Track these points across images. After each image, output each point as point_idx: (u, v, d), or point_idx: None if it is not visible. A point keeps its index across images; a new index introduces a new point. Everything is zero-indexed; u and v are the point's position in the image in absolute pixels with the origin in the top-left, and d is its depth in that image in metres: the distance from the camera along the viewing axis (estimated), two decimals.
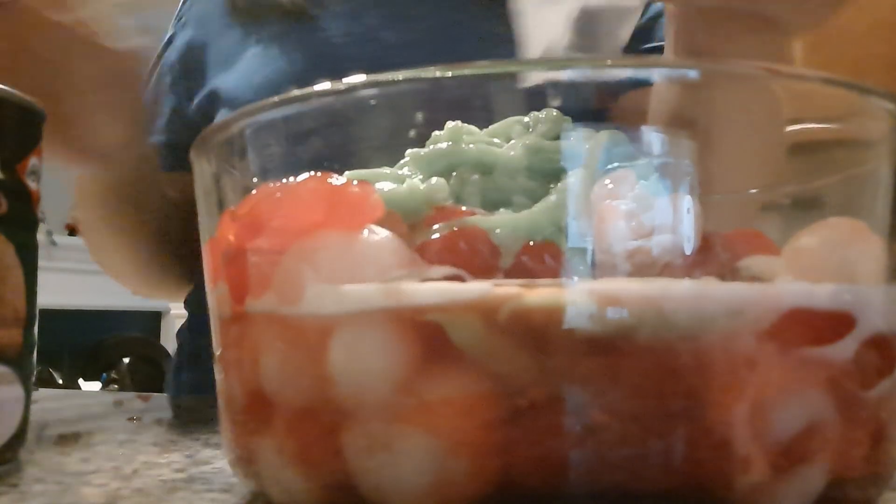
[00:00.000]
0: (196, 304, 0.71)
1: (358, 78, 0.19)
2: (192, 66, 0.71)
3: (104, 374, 3.05)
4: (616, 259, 0.18)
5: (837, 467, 0.18)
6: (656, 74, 0.19)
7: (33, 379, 0.28)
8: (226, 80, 0.67)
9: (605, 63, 0.19)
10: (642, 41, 0.60)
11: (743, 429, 0.17)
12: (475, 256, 0.18)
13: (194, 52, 0.71)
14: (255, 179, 0.22)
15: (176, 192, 0.66)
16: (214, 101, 0.68)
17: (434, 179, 0.21)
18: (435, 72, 0.19)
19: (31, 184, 0.28)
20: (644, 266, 0.17)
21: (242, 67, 0.66)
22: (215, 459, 0.28)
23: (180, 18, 0.73)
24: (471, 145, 0.22)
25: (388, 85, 0.19)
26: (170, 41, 0.73)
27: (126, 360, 3.03)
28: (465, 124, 0.23)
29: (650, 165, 0.20)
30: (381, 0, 0.65)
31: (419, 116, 0.21)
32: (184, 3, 0.74)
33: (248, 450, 0.20)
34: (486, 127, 0.24)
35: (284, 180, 0.19)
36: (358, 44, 0.63)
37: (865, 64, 1.64)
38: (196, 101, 0.69)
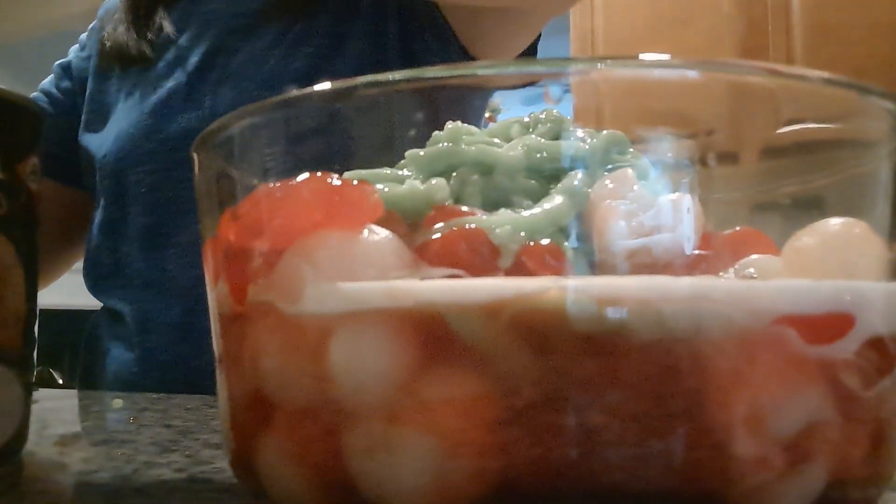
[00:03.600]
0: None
1: (358, 78, 0.19)
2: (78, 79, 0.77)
3: None
4: (616, 259, 0.18)
5: (837, 467, 0.18)
6: (656, 73, 0.19)
7: (33, 379, 0.28)
8: (93, 139, 0.73)
9: (605, 62, 0.19)
10: None
11: (742, 429, 0.17)
12: (475, 256, 0.18)
13: (81, 70, 0.77)
14: (255, 179, 0.22)
15: None
16: (83, 156, 0.74)
17: (434, 179, 0.21)
18: (435, 72, 0.19)
19: (31, 184, 0.28)
20: (644, 266, 0.17)
21: (110, 124, 0.72)
22: (215, 459, 0.28)
23: (83, 47, 0.80)
24: (471, 146, 0.22)
25: (387, 85, 0.19)
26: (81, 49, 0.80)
27: None
28: (465, 124, 0.23)
29: (650, 165, 0.20)
30: (201, 41, 0.69)
31: (419, 116, 0.21)
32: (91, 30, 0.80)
33: (249, 450, 0.20)
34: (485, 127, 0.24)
35: (284, 180, 0.19)
36: (184, 89, 0.67)
37: (865, 64, 1.64)
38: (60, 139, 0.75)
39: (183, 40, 0.70)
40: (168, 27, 0.71)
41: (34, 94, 0.79)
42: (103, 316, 0.73)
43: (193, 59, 0.68)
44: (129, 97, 0.71)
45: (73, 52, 0.81)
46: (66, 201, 0.76)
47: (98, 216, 0.72)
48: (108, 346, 0.71)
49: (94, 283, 0.73)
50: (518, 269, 0.18)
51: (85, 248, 0.74)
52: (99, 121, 0.73)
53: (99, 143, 0.71)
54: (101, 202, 0.71)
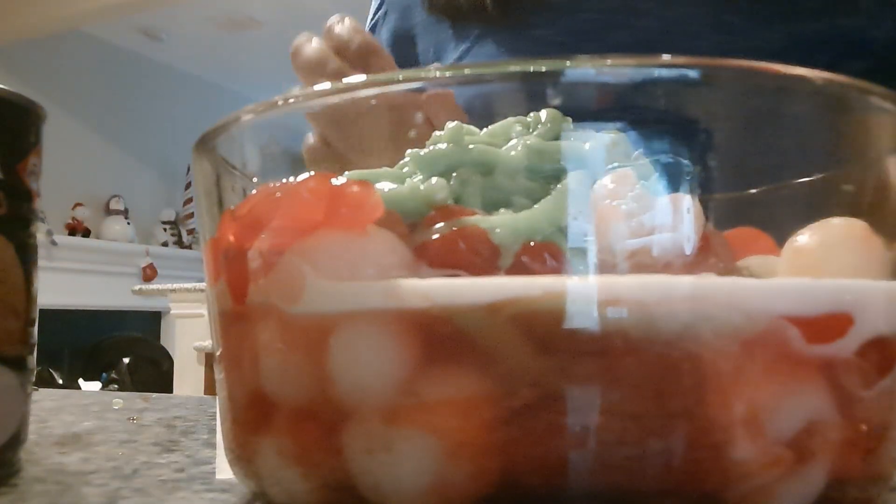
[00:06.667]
0: None
1: (358, 78, 0.19)
2: (403, 54, 0.67)
3: (104, 374, 3.06)
4: (616, 259, 0.18)
5: (837, 467, 0.18)
6: (657, 74, 0.19)
7: (33, 379, 0.28)
8: None
9: (605, 63, 0.19)
10: None
11: (742, 428, 0.17)
12: (475, 256, 0.18)
13: (403, 40, 0.67)
14: (255, 179, 0.22)
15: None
16: None
17: (434, 179, 0.21)
18: (435, 72, 0.19)
19: (32, 184, 0.28)
20: (644, 266, 0.17)
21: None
22: (215, 459, 0.28)
23: (381, 6, 0.69)
24: (471, 146, 0.22)
25: (387, 85, 0.19)
26: (373, 29, 0.70)
27: (126, 360, 3.04)
28: (466, 125, 0.23)
29: (650, 165, 0.20)
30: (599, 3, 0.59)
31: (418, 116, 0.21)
32: None
33: (248, 450, 0.20)
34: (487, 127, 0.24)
35: (284, 180, 0.19)
36: (578, 43, 0.57)
37: None
38: None
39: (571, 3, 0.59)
40: None
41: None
42: None
43: (592, 16, 0.57)
44: (481, 45, 0.60)
45: (377, 19, 0.69)
46: None
47: None
48: None
49: None
50: (518, 269, 0.18)
51: None
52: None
53: None
54: None
